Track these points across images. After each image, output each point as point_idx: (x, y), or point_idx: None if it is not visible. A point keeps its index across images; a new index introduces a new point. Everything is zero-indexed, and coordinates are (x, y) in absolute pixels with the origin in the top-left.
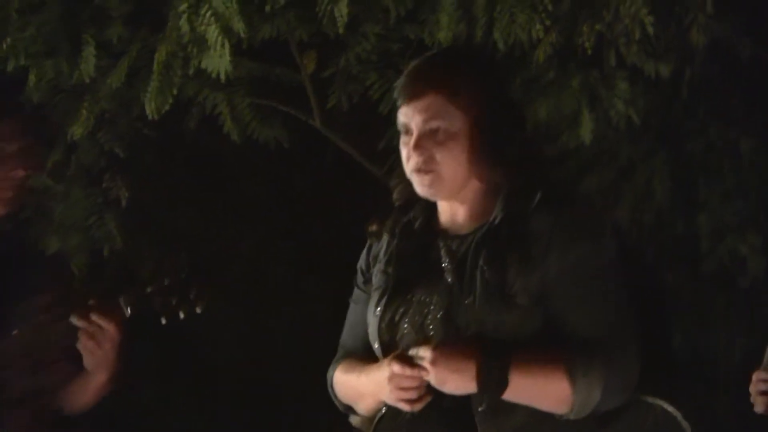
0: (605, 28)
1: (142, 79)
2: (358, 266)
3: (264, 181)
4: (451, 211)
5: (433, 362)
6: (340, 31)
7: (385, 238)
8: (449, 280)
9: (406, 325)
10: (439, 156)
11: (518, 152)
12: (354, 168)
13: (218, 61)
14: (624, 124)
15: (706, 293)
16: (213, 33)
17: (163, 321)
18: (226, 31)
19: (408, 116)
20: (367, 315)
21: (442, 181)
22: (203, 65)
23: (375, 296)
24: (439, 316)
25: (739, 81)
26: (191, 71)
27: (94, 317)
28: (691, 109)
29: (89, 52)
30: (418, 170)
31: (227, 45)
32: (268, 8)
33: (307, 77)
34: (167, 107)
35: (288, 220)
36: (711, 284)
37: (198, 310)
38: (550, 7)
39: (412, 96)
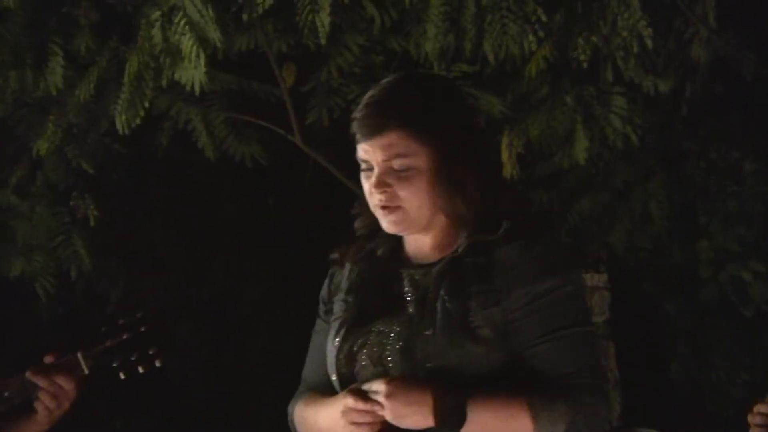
0: (602, 41)
1: (112, 92)
2: (320, 296)
3: (241, 199)
4: (417, 241)
5: (388, 396)
6: (322, 42)
7: (348, 266)
8: (411, 310)
9: (364, 357)
10: (403, 193)
11: (482, 183)
12: (335, 185)
13: (193, 72)
14: (621, 143)
15: (706, 323)
16: (187, 43)
17: (122, 376)
18: (202, 41)
19: (368, 153)
20: (327, 346)
21: (408, 218)
22: (177, 77)
23: (335, 326)
24: (397, 347)
25: (742, 99)
26: (164, 83)
27: (55, 377)
28: (691, 129)
29: (56, 62)
30: (383, 207)
31: (202, 56)
32: (245, 17)
33: (287, 91)
34: (138, 121)
35: (266, 240)
36: (711, 313)
37: (157, 364)
38: (543, 18)
39: (371, 132)
